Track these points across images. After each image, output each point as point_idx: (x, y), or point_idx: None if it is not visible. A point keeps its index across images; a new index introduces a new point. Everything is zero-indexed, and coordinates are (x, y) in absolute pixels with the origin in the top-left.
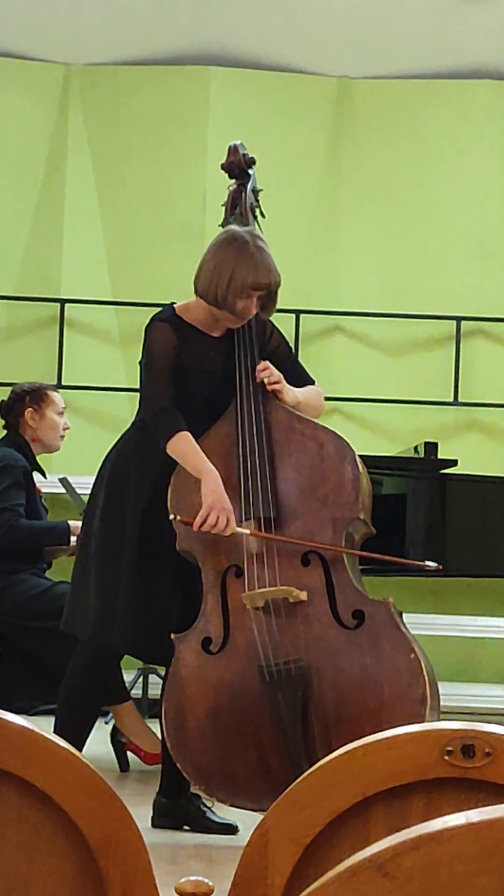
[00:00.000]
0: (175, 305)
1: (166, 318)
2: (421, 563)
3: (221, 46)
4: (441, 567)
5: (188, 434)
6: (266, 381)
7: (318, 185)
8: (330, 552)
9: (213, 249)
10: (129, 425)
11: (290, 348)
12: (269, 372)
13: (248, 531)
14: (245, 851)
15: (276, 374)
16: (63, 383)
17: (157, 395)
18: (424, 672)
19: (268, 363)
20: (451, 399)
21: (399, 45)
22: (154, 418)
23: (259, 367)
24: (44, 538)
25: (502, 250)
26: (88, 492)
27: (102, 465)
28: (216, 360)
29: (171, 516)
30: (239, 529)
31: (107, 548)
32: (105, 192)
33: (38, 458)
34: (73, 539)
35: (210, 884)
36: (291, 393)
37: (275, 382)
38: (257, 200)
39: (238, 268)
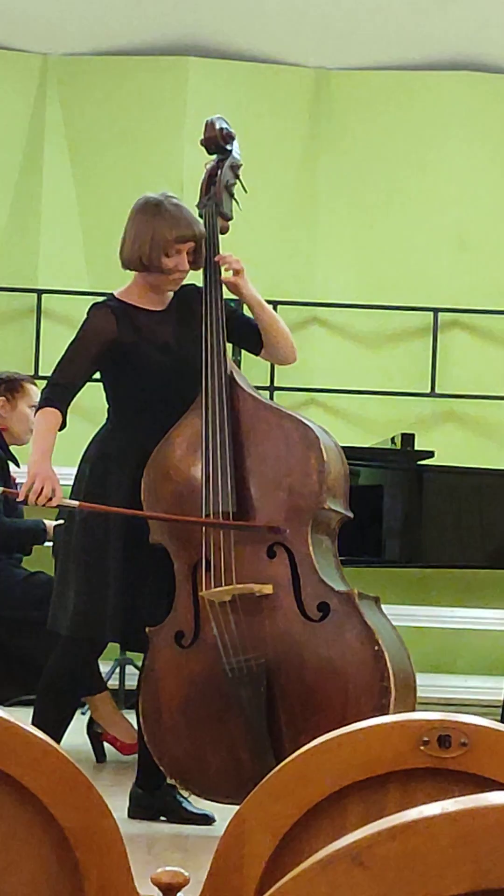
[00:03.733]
0: (115, 292)
1: (106, 302)
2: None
3: (199, 37)
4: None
5: (57, 413)
6: (224, 268)
7: (295, 177)
8: (295, 542)
9: (130, 217)
10: (107, 417)
11: (243, 311)
12: (229, 258)
13: (76, 504)
14: (221, 842)
15: (237, 266)
16: (40, 374)
17: (63, 372)
18: (388, 663)
19: (231, 255)
20: (428, 390)
21: (377, 36)
22: (48, 386)
23: (221, 256)
24: (20, 538)
25: (480, 242)
26: (66, 483)
27: (82, 460)
28: (166, 331)
29: None
30: (67, 501)
31: (90, 541)
32: (82, 183)
33: (12, 448)
34: (48, 537)
35: (186, 874)
36: (255, 293)
37: (233, 272)
38: (237, 176)
39: (157, 226)
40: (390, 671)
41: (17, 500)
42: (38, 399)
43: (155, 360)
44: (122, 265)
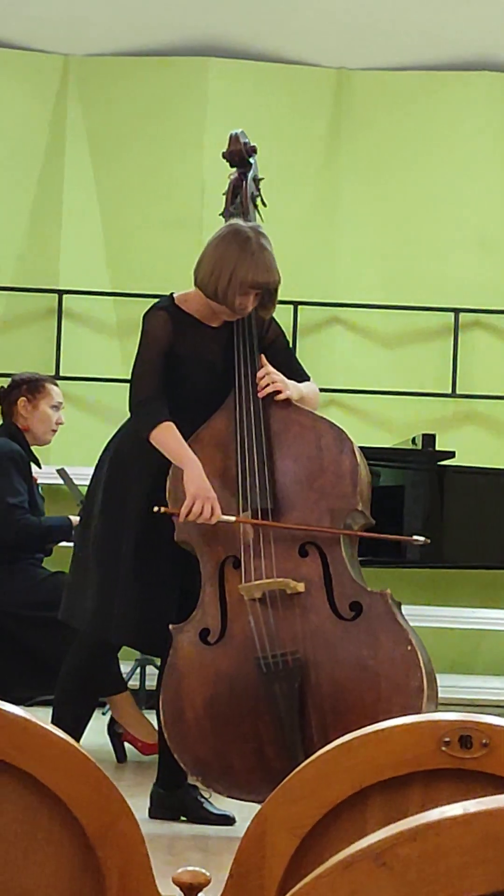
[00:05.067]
0: (174, 295)
1: (165, 307)
2: (409, 537)
3: (220, 37)
4: (429, 541)
5: (171, 424)
6: (268, 389)
7: (316, 177)
8: (327, 541)
9: (215, 242)
10: (127, 417)
11: (288, 341)
12: (270, 379)
13: (233, 518)
14: (242, 842)
15: (278, 380)
16: (61, 374)
17: (144, 385)
18: (421, 663)
19: (267, 369)
20: (449, 391)
21: (398, 36)
22: (138, 407)
23: (259, 374)
24: (51, 536)
25: (501, 242)
26: (86, 482)
27: (101, 457)
28: (216, 350)
29: (155, 509)
30: (224, 517)
31: (106, 539)
32: (103, 183)
33: (32, 448)
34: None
35: (207, 874)
36: (296, 392)
37: (278, 391)
38: (258, 189)
39: (239, 265)
40: (423, 671)
41: (178, 520)
42: (59, 399)
43: (198, 377)
44: (194, 282)
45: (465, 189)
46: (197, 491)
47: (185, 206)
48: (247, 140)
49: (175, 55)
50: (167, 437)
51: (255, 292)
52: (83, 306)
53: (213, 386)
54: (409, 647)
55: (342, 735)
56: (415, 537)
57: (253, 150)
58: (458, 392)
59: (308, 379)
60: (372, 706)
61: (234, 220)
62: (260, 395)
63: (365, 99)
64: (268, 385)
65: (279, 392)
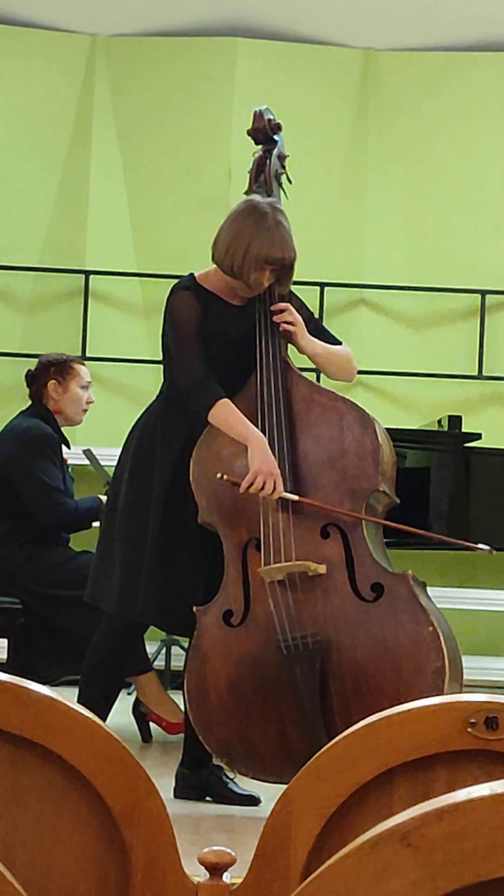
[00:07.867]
0: (195, 274)
1: (187, 286)
2: (474, 544)
3: (247, 18)
4: (493, 550)
5: (228, 401)
6: (283, 318)
7: (343, 158)
8: (348, 523)
9: (232, 218)
10: (154, 397)
11: (312, 312)
12: (286, 314)
13: (295, 497)
14: (268, 822)
15: (295, 317)
16: (87, 355)
17: (191, 366)
18: (443, 645)
19: (288, 305)
20: (475, 373)
21: (425, 16)
22: (191, 390)
23: (277, 307)
24: (87, 518)
25: None
26: (113, 463)
27: (128, 438)
28: (239, 327)
29: (218, 475)
30: (286, 494)
31: (132, 520)
32: (130, 164)
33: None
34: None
35: (233, 853)
36: (310, 342)
37: (289, 324)
38: (283, 167)
39: (255, 240)
40: (445, 652)
41: (240, 491)
42: (88, 379)
43: (223, 355)
44: (211, 258)
45: (492, 171)
46: (261, 466)
47: (212, 187)
48: (271, 117)
49: (202, 35)
50: (227, 415)
51: (272, 268)
52: (110, 287)
53: (240, 363)
54: (431, 629)
55: (364, 717)
56: (480, 545)
57: (278, 128)
58: (484, 374)
59: (340, 343)
60: (393, 687)
61: (251, 196)
62: (274, 319)
63: (392, 80)
64: (284, 318)
65: (290, 325)
